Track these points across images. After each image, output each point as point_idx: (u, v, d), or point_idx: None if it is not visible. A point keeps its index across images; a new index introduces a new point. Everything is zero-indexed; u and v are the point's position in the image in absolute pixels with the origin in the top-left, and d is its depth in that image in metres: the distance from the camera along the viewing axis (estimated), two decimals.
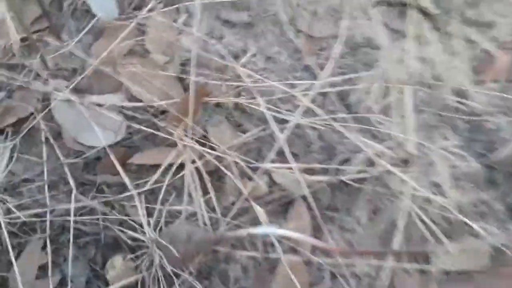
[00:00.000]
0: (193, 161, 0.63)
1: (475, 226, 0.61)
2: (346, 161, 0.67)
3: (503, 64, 0.75)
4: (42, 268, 0.58)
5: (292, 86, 0.72)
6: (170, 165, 0.63)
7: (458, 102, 0.72)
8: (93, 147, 0.64)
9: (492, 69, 0.75)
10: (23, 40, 0.69)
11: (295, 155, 0.66)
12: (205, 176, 0.62)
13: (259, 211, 0.59)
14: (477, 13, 0.78)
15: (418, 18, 0.74)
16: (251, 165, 0.63)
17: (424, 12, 0.73)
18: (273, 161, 0.66)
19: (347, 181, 0.64)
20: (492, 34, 0.77)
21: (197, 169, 0.62)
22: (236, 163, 0.64)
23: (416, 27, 0.73)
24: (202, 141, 0.65)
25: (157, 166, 0.64)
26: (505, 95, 0.72)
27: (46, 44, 0.72)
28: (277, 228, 0.57)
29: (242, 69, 0.71)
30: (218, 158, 0.64)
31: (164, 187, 0.61)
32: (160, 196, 0.61)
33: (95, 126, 0.64)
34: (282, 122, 0.68)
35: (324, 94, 0.72)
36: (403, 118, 0.69)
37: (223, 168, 0.62)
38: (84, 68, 0.71)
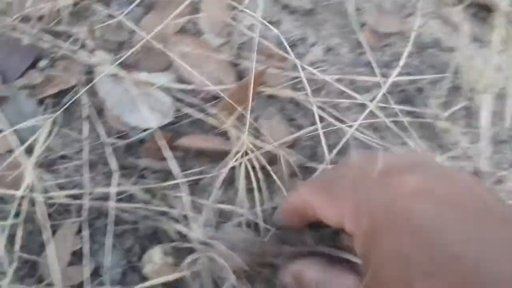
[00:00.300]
0: (246, 154, 0.58)
1: None
2: None
3: None
4: (75, 255, 0.54)
5: (352, 82, 0.66)
6: (221, 156, 0.58)
7: None
8: (137, 128, 0.60)
9: None
10: (74, 5, 0.64)
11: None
12: (259, 173, 0.57)
13: None
14: None
15: (499, 23, 0.68)
16: (307, 165, 0.58)
17: (507, 17, 0.67)
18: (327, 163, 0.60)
19: None
20: None
21: (250, 164, 0.57)
22: (288, 162, 0.59)
23: (497, 33, 0.67)
24: (254, 134, 0.60)
25: (204, 156, 0.59)
26: None
27: (94, 13, 0.67)
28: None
29: (300, 59, 0.66)
30: (269, 154, 0.59)
31: (220, 181, 0.56)
32: (211, 190, 0.56)
33: (142, 106, 0.60)
34: (336, 119, 0.63)
35: (385, 95, 0.66)
36: (473, 129, 0.63)
37: (271, 173, 0.57)
38: (132, 42, 0.66)
